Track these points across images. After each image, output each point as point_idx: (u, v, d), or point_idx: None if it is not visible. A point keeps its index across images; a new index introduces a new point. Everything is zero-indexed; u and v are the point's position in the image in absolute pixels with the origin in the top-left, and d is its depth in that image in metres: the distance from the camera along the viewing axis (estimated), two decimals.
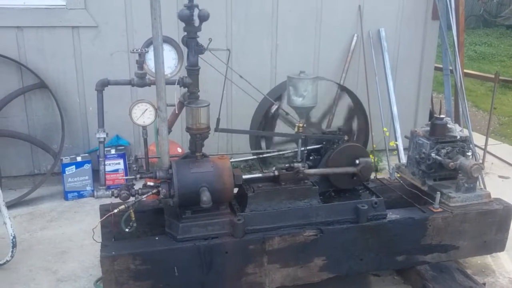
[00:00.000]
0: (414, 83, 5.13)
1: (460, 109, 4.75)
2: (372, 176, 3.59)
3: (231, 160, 2.72)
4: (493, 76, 5.05)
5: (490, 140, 5.53)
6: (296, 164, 2.79)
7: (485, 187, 4.24)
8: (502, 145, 5.77)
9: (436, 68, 5.34)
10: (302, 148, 2.92)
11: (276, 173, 2.78)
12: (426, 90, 5.20)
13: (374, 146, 4.59)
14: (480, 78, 5.88)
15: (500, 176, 4.76)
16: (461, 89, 4.65)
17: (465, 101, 4.69)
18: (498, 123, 6.92)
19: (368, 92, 4.67)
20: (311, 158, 3.02)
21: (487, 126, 4.93)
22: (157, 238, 2.58)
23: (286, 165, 2.84)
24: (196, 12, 2.55)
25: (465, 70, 5.29)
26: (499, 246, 3.08)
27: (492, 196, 3.10)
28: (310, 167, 2.91)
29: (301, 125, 2.90)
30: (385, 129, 4.67)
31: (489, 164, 4.98)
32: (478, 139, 5.28)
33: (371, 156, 4.67)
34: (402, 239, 2.84)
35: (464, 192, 3.00)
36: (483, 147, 4.91)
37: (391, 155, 4.77)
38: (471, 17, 16.40)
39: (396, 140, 4.70)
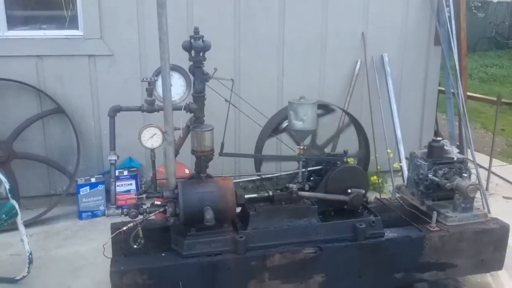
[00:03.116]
0: (418, 106, 5.24)
1: (463, 132, 4.84)
2: (375, 196, 3.71)
3: (239, 181, 2.86)
4: (495, 99, 5.14)
5: (497, 162, 5.59)
6: (290, 185, 2.92)
7: (488, 208, 4.30)
8: (508, 166, 5.80)
9: (441, 91, 5.45)
10: (303, 170, 3.06)
11: (271, 193, 2.94)
12: (430, 112, 5.30)
13: (379, 167, 4.70)
14: (483, 101, 5.94)
15: (504, 197, 4.80)
16: (463, 113, 4.76)
17: (467, 123, 4.78)
18: (506, 145, 6.95)
19: (372, 115, 4.80)
20: (311, 179, 3.14)
21: (491, 147, 5.00)
22: (163, 254, 2.73)
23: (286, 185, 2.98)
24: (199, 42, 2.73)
25: (468, 93, 5.38)
26: (497, 264, 3.14)
27: (497, 216, 3.19)
28: (310, 188, 3.04)
29: (302, 147, 3.04)
30: (389, 150, 4.77)
31: (494, 185, 5.03)
32: (484, 160, 5.33)
33: (375, 177, 4.76)
34: (400, 257, 2.93)
35: (461, 212, 3.08)
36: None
37: (396, 176, 4.86)
38: (483, 39, 16.46)
39: (400, 162, 4.79)
